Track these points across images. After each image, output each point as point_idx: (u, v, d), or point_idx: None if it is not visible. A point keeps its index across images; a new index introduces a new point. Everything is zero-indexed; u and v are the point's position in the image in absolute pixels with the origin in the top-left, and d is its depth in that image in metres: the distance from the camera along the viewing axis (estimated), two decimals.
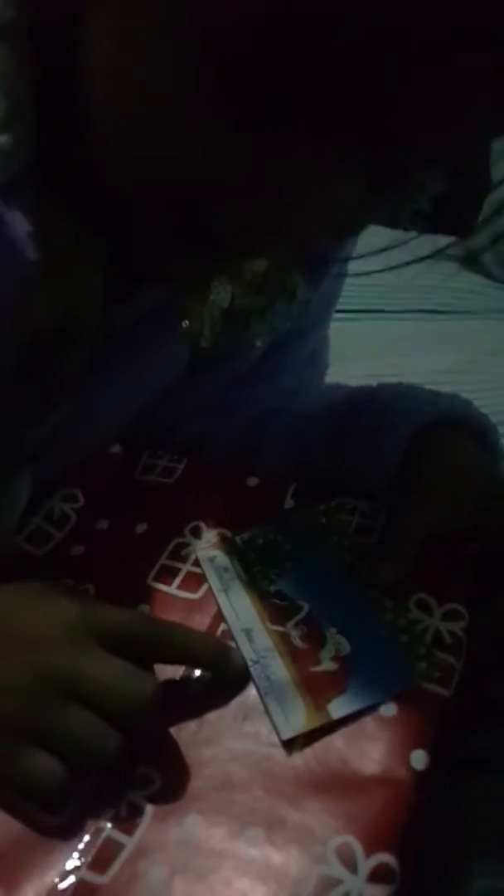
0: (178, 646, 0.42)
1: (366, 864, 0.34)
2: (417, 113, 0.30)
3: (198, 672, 0.43)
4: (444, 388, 0.57)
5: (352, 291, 1.26)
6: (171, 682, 0.42)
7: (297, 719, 0.40)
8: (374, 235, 0.46)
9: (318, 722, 0.40)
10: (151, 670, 0.41)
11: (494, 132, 0.34)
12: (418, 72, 0.29)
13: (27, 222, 0.38)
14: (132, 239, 0.40)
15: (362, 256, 0.50)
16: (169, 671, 0.42)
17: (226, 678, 0.42)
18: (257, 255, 0.48)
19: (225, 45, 0.29)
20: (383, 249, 0.46)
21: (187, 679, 0.42)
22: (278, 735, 0.40)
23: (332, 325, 0.72)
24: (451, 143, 0.34)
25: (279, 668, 0.43)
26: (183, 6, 0.29)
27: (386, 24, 0.27)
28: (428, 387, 0.57)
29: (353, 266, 0.63)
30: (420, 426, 0.52)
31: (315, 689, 0.42)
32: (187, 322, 0.53)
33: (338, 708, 0.41)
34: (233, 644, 0.44)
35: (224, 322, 0.55)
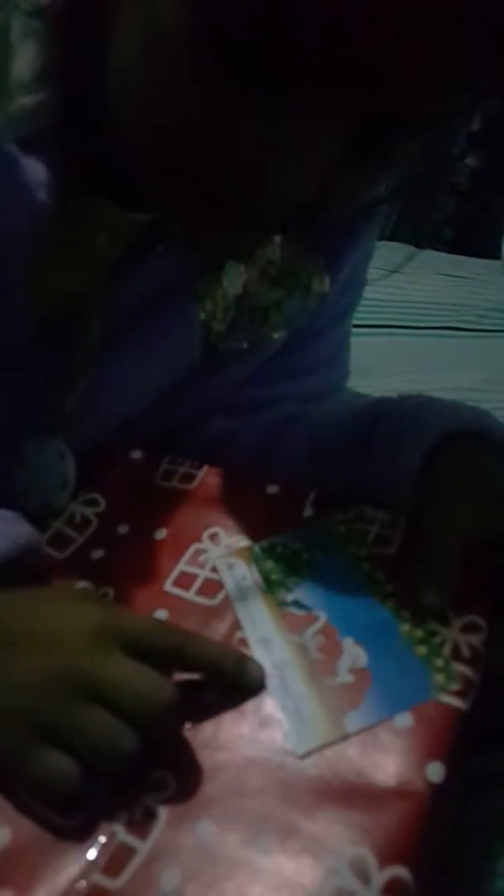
0: (196, 654, 0.42)
1: (379, 877, 0.34)
2: (383, 74, 0.32)
3: None
4: (471, 405, 0.56)
5: (379, 307, 1.27)
6: (186, 688, 0.42)
7: (313, 734, 0.40)
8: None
9: (333, 736, 0.40)
10: (169, 676, 0.41)
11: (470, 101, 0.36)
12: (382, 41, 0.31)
13: (44, 171, 0.42)
14: (146, 203, 0.43)
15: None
16: (185, 676, 0.42)
17: (241, 688, 0.42)
18: (259, 227, 0.49)
19: (217, 5, 0.31)
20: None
21: (202, 684, 0.42)
22: (293, 749, 0.39)
23: (360, 339, 0.72)
24: (423, 110, 0.35)
25: (296, 682, 0.42)
26: None
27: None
28: None
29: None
30: (440, 437, 0.52)
31: (331, 702, 0.41)
32: (199, 305, 0.54)
33: (354, 721, 0.40)
34: (249, 653, 0.44)
35: (242, 316, 0.56)
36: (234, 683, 0.42)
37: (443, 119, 0.37)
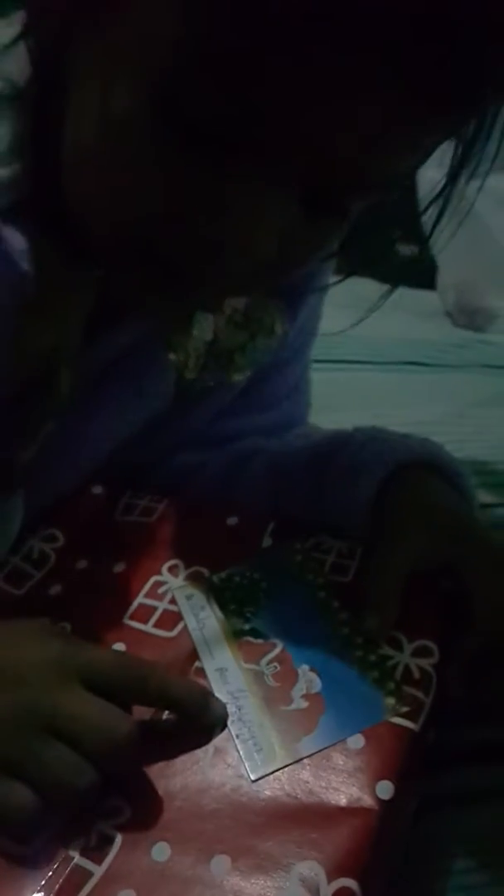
0: (159, 690, 0.42)
1: (328, 889, 0.35)
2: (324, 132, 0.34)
3: None
4: (434, 439, 0.58)
5: (339, 342, 1.28)
6: (146, 723, 0.42)
7: (268, 761, 0.41)
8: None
9: (287, 761, 0.40)
10: (130, 711, 0.41)
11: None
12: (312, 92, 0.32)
13: (23, 241, 0.43)
14: (108, 273, 0.44)
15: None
16: (146, 710, 0.42)
17: (204, 726, 0.42)
18: (224, 293, 0.50)
19: (166, 86, 0.33)
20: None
21: (162, 720, 0.43)
22: (248, 775, 0.40)
23: (320, 375, 0.74)
24: (375, 168, 0.36)
25: (251, 710, 0.43)
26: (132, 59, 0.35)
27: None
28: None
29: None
30: (392, 467, 0.53)
31: (286, 728, 0.42)
32: (173, 355, 0.55)
33: (308, 746, 0.41)
34: (206, 682, 0.44)
35: (208, 358, 0.57)
36: (196, 721, 0.42)
37: (395, 180, 0.39)
